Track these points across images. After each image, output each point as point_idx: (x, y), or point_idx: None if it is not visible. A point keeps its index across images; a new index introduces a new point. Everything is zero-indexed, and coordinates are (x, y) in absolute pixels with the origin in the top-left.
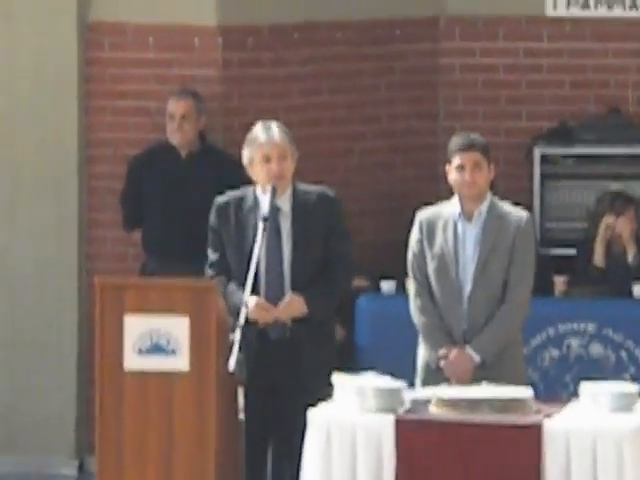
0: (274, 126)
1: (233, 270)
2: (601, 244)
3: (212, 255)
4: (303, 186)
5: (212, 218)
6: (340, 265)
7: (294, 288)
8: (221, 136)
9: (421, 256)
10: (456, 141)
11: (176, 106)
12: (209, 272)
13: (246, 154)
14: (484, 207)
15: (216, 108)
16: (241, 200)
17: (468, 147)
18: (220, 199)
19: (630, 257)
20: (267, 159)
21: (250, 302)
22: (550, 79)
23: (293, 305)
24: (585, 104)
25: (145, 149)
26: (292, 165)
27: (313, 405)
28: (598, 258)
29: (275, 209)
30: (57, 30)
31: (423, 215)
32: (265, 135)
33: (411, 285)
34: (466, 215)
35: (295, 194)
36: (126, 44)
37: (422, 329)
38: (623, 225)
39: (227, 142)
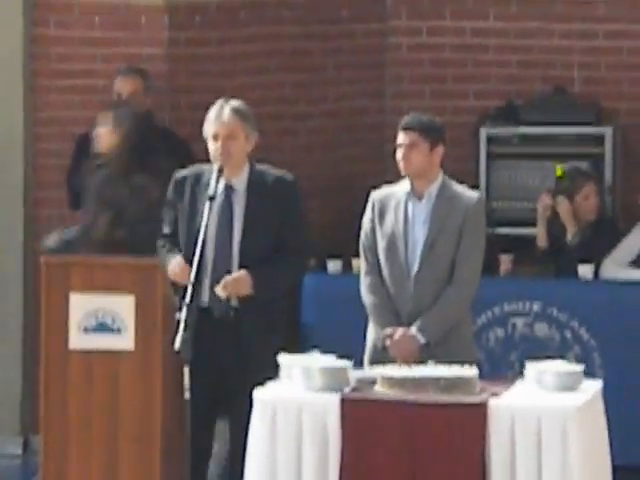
0: (229, 105)
1: (181, 246)
2: (541, 224)
3: (165, 228)
4: (261, 167)
5: (169, 192)
6: (292, 255)
7: (242, 269)
8: (167, 115)
9: (372, 235)
10: (401, 120)
11: (123, 85)
12: (159, 243)
13: (204, 130)
14: (434, 188)
15: (162, 87)
16: (199, 176)
17: (405, 127)
18: (179, 174)
19: (569, 236)
20: (215, 137)
21: (172, 261)
22: (497, 59)
23: (240, 281)
24: (531, 84)
25: (91, 127)
26: (245, 145)
27: (259, 385)
28: (540, 239)
29: (228, 188)
30: (2, 8)
31: (376, 194)
32: (216, 113)
33: (362, 264)
34: (417, 195)
35: (252, 175)
36: (72, 22)
37: (370, 308)
38: (561, 204)
39: (173, 121)
